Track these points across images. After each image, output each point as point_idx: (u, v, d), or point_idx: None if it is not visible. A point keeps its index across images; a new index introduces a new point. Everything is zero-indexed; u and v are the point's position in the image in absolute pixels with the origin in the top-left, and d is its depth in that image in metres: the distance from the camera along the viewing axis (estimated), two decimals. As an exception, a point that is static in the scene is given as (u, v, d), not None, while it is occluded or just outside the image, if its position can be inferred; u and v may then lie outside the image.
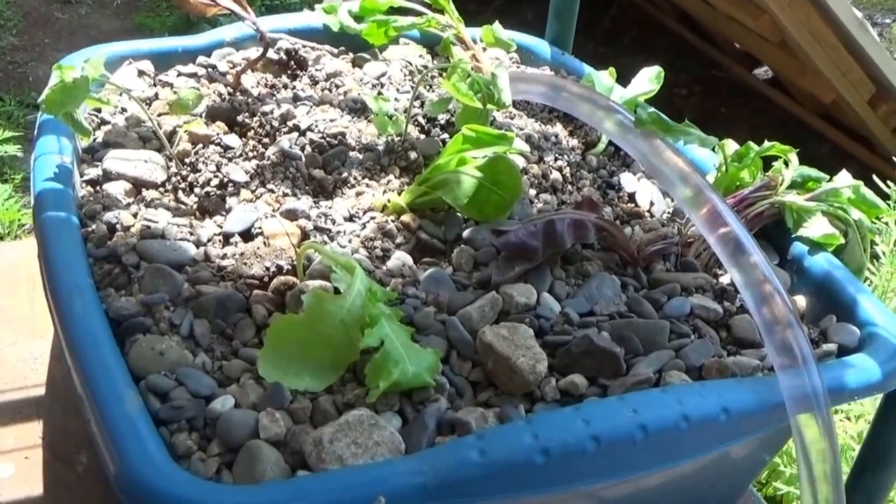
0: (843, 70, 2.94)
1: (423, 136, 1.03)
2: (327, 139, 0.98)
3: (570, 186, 1.02)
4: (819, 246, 0.93)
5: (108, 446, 0.64)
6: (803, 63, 3.05)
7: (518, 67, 1.24)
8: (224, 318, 0.78)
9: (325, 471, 0.65)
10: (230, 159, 0.96)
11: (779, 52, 3.23)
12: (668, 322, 0.82)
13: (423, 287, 0.83)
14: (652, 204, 1.02)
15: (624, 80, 1.18)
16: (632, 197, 1.03)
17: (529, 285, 0.83)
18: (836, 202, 0.95)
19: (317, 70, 1.13)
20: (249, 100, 1.04)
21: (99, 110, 1.01)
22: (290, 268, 0.82)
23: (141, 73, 1.09)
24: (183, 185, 0.93)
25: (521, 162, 1.00)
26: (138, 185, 0.92)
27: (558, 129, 1.11)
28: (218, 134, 0.98)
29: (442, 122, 1.05)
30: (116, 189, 0.91)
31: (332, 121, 1.01)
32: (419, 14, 1.20)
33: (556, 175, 1.01)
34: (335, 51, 1.19)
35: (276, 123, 1.00)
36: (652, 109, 0.94)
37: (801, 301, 0.91)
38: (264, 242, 0.85)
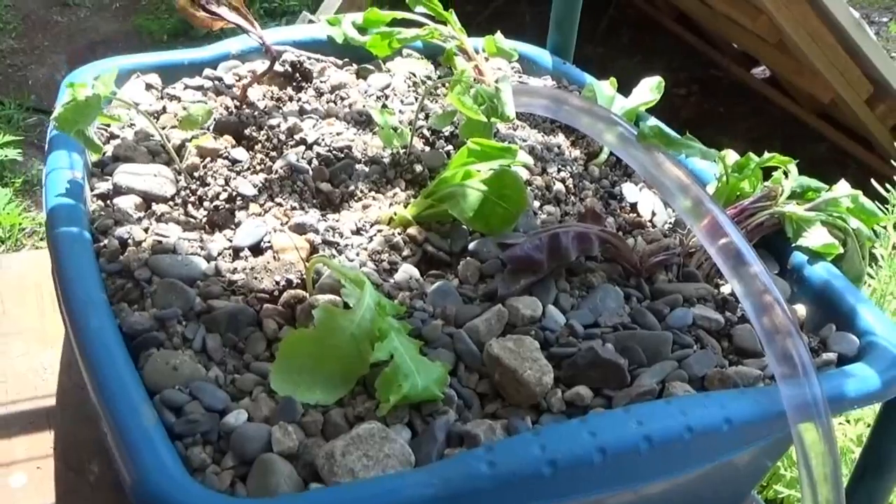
0: (840, 69, 2.95)
1: (427, 149, 1.05)
2: (334, 152, 1.00)
3: (573, 197, 1.03)
4: (818, 255, 0.95)
5: (126, 460, 0.65)
6: (801, 63, 3.06)
7: (520, 77, 1.25)
8: (236, 332, 0.79)
9: (337, 483, 0.66)
10: (238, 173, 0.97)
11: (776, 52, 3.24)
12: (671, 333, 0.83)
13: (430, 300, 0.84)
14: (654, 214, 1.04)
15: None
16: (633, 207, 1.05)
17: (535, 298, 0.84)
18: (835, 212, 0.97)
19: (322, 82, 1.15)
20: (256, 113, 1.05)
21: (108, 125, 1.03)
22: (299, 282, 0.84)
23: (148, 87, 1.11)
24: (192, 199, 0.94)
25: (524, 174, 1.01)
26: (148, 200, 0.94)
27: (560, 139, 1.13)
28: (226, 147, 1.00)
29: (446, 134, 1.07)
30: (127, 203, 0.92)
31: (338, 134, 1.02)
32: (422, 25, 1.21)
33: (559, 186, 1.03)
34: (339, 62, 1.21)
35: (283, 137, 1.01)
36: (654, 122, 0.96)
37: (800, 310, 0.92)
38: (274, 256, 0.87)
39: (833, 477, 0.73)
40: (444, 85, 1.13)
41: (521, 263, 0.86)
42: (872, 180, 1.67)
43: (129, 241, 0.86)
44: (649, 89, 1.17)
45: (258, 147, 1.01)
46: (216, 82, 1.13)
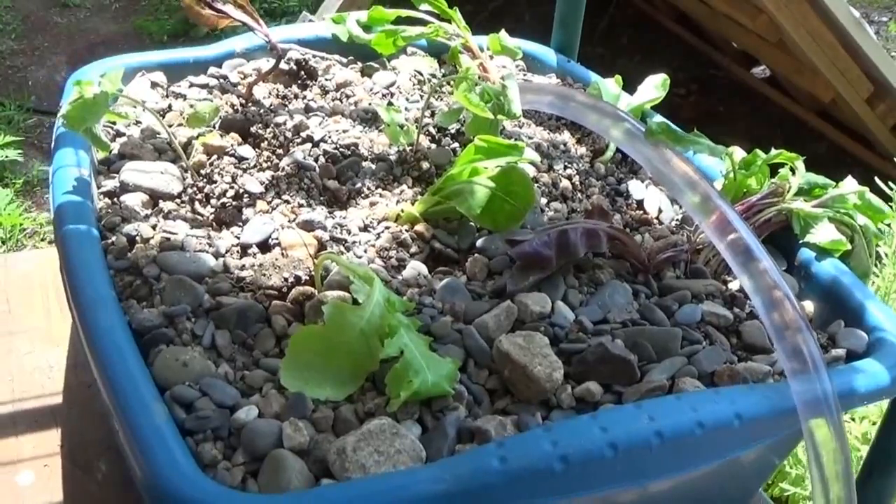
0: (840, 69, 2.95)
1: (434, 146, 1.04)
2: (340, 150, 1.00)
3: (579, 194, 1.03)
4: (826, 252, 0.95)
5: (137, 456, 0.65)
6: (801, 62, 3.07)
7: (524, 75, 1.25)
8: (244, 329, 0.79)
9: (348, 479, 0.66)
10: (245, 170, 0.97)
11: (777, 52, 3.25)
12: (680, 329, 0.83)
13: (438, 296, 0.84)
14: (660, 211, 1.04)
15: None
16: (640, 204, 1.05)
17: (544, 294, 0.84)
18: (842, 208, 0.97)
19: (327, 80, 1.14)
20: (262, 111, 1.05)
21: (114, 122, 1.02)
22: (307, 278, 0.84)
23: (154, 85, 1.11)
24: (199, 197, 0.94)
25: (531, 171, 1.01)
26: (155, 197, 0.94)
27: (566, 137, 1.13)
28: (232, 145, 1.00)
29: (452, 131, 1.07)
30: (134, 201, 0.92)
31: (344, 131, 1.02)
32: (427, 23, 1.21)
33: (565, 183, 1.03)
34: (344, 60, 1.21)
35: (289, 134, 1.01)
36: (661, 119, 0.96)
37: (808, 306, 0.92)
38: (282, 253, 0.87)
39: (845, 474, 0.73)
40: (449, 83, 1.13)
41: (529, 260, 0.86)
42: (876, 179, 1.67)
43: (137, 238, 0.86)
44: (654, 87, 1.17)
45: (264, 144, 1.01)
46: (221, 80, 1.13)
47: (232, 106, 1.06)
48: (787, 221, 0.97)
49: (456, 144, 1.05)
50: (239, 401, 0.72)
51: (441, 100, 1.13)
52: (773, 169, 1.01)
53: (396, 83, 1.15)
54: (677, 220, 1.04)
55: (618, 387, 0.78)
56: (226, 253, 0.87)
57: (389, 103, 1.10)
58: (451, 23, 1.21)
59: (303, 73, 1.15)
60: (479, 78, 1.03)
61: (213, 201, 0.94)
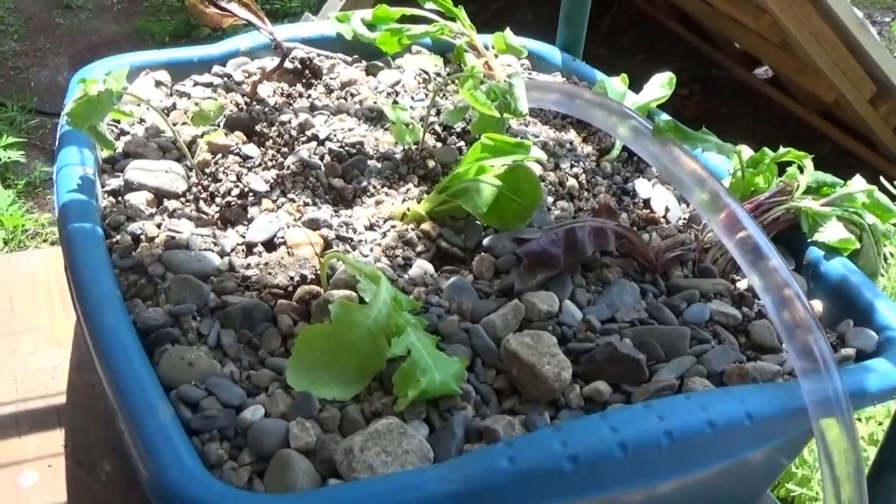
0: (843, 69, 2.95)
1: (439, 145, 1.04)
2: (346, 148, 0.99)
3: (586, 193, 1.03)
4: (835, 250, 0.94)
5: (143, 456, 0.65)
6: (804, 62, 3.06)
7: (530, 74, 1.25)
8: (250, 328, 0.79)
9: (356, 479, 0.66)
10: (250, 169, 0.97)
11: (779, 52, 3.24)
12: (689, 328, 0.83)
13: (445, 295, 0.84)
14: (667, 210, 1.03)
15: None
16: (647, 203, 1.04)
17: (551, 293, 0.84)
18: (850, 207, 0.96)
19: (331, 79, 1.14)
20: (266, 109, 1.05)
21: (118, 121, 1.02)
22: (313, 277, 0.83)
23: (158, 84, 1.10)
24: (204, 195, 0.94)
25: (538, 169, 1.01)
26: (160, 196, 0.93)
27: (572, 135, 1.12)
28: (237, 144, 0.99)
29: (458, 129, 1.06)
30: (138, 199, 0.91)
31: (349, 130, 1.02)
32: (431, 22, 1.21)
33: (572, 182, 1.02)
34: (349, 59, 1.20)
35: (294, 133, 1.01)
36: (668, 117, 0.95)
37: (817, 306, 0.92)
38: (287, 252, 0.86)
39: (856, 475, 0.72)
40: (454, 81, 1.13)
41: (537, 258, 0.85)
42: (882, 179, 1.66)
43: (142, 236, 0.86)
44: (660, 85, 1.16)
45: (269, 143, 1.01)
46: (226, 79, 1.12)
47: (236, 104, 1.06)
48: (796, 220, 0.96)
49: (462, 143, 1.05)
50: (245, 400, 0.72)
51: (446, 98, 1.13)
52: (781, 167, 1.01)
53: (401, 82, 1.15)
54: (684, 218, 1.03)
55: (626, 386, 0.77)
56: (231, 252, 0.86)
57: (395, 102, 1.09)
58: (456, 21, 1.21)
59: (307, 71, 1.14)
60: (485, 76, 1.02)
61: (217, 200, 0.93)
